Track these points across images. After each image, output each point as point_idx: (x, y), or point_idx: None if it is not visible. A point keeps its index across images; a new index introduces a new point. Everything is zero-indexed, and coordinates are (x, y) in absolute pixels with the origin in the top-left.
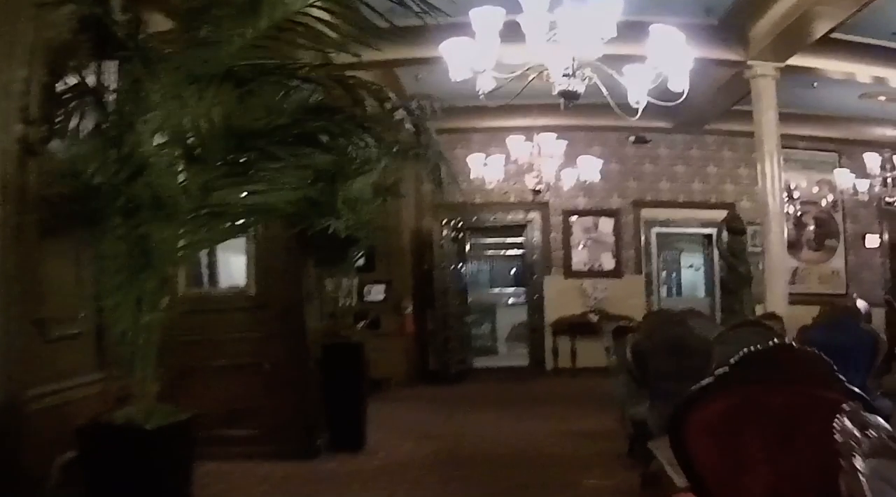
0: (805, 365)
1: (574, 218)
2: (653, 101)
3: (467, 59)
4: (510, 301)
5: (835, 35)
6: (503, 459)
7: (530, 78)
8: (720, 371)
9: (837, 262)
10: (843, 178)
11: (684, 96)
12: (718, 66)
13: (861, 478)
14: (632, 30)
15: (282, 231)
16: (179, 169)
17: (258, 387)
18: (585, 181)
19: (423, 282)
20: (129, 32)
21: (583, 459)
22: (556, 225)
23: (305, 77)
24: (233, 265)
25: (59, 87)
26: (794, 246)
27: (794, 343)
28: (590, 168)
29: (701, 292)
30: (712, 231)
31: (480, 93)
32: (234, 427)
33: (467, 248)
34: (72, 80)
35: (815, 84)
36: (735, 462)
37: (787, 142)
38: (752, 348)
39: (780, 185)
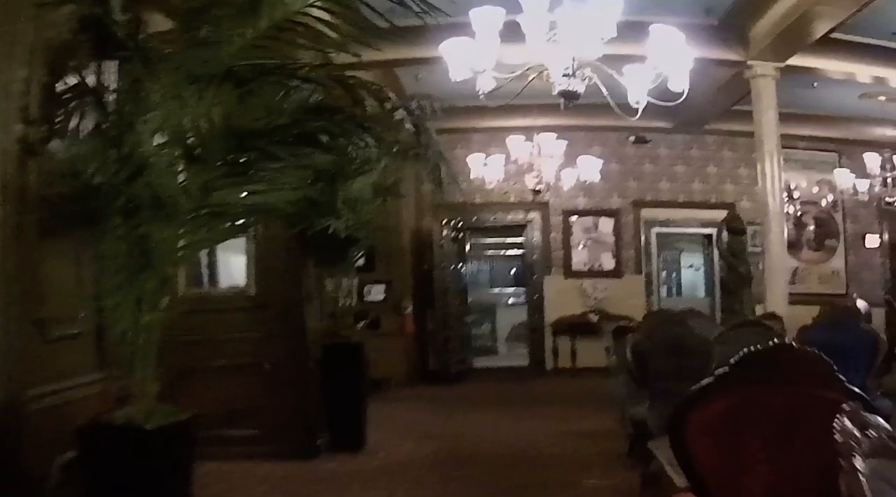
0: (805, 365)
1: (574, 218)
2: (653, 101)
3: (467, 59)
4: (510, 301)
5: (835, 35)
6: (503, 459)
7: (530, 78)
8: (720, 371)
9: (837, 262)
10: (843, 178)
11: (684, 96)
12: (718, 66)
13: (861, 478)
14: (632, 30)
15: (282, 231)
16: (179, 169)
17: (258, 387)
18: (585, 181)
19: (423, 282)
20: (129, 32)
21: (583, 459)
22: (556, 225)
23: (305, 77)
24: (233, 265)
25: (59, 87)
26: (794, 246)
27: (794, 343)
28: (590, 168)
29: (701, 292)
30: (712, 231)
31: (480, 93)
32: (234, 427)
33: (467, 248)
34: (72, 80)
35: (815, 84)
36: (735, 462)
37: (787, 142)
38: (752, 348)
39: (780, 185)
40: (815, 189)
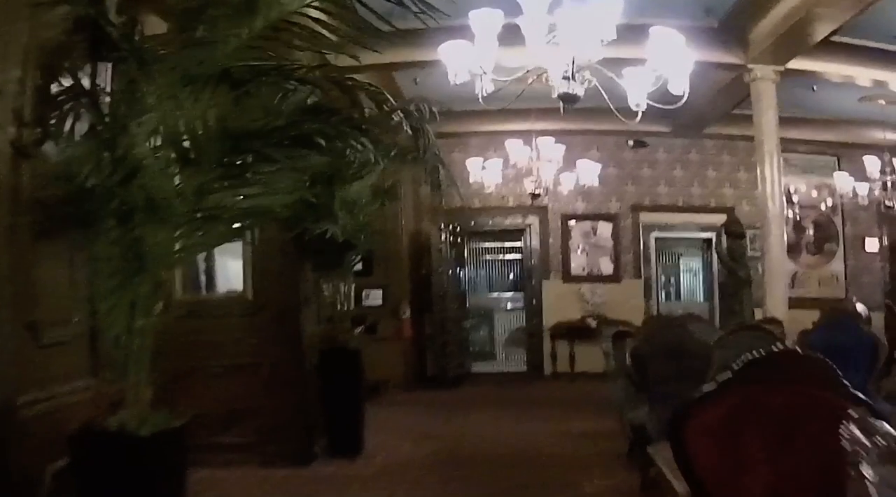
0: (810, 370)
1: (573, 222)
2: (652, 104)
3: (466, 61)
4: (508, 305)
5: (835, 38)
6: (503, 459)
7: (529, 81)
8: (722, 377)
9: (837, 265)
10: (843, 181)
11: (684, 99)
12: (718, 69)
13: (869, 485)
14: (631, 32)
15: (279, 235)
16: (174, 171)
17: (255, 391)
18: (584, 185)
19: (421, 286)
20: (123, 34)
21: (582, 459)
22: (555, 229)
23: (302, 78)
24: (230, 269)
25: (54, 88)
26: (793, 250)
27: (797, 348)
28: (588, 172)
29: (700, 297)
30: (711, 235)
31: (479, 96)
32: (231, 432)
33: (465, 252)
34: (66, 82)
35: (815, 87)
36: (735, 462)
37: (787, 145)
38: (754, 353)
39: (780, 189)
40: (815, 193)
